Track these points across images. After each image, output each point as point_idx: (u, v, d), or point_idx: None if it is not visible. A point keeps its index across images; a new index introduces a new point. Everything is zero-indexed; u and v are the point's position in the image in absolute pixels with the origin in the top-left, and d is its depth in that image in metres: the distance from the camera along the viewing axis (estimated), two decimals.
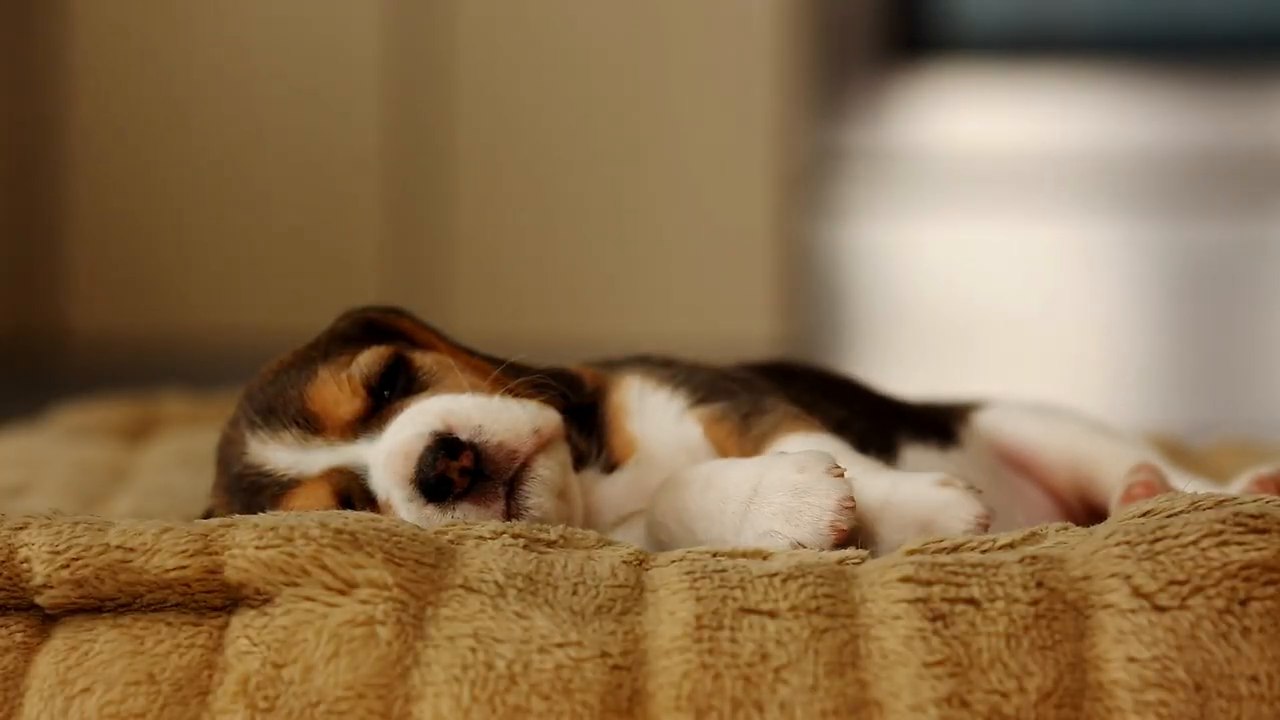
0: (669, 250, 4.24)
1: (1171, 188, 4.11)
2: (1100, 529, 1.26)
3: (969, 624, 1.16)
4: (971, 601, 1.17)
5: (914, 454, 1.61)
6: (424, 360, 1.43)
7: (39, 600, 1.24)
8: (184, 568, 1.21)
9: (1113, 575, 1.18)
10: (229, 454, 1.42)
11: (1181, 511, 1.24)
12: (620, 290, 4.26)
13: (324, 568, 1.19)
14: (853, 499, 1.29)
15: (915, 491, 1.33)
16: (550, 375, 1.48)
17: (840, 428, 1.50)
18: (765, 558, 1.25)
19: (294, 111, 4.32)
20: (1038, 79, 4.17)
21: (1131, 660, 1.15)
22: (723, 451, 1.46)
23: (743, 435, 1.46)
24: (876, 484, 1.33)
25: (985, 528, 1.30)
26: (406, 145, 4.31)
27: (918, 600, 1.17)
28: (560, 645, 1.16)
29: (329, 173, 4.33)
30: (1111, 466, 1.65)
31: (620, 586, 1.21)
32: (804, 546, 1.28)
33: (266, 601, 1.20)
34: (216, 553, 1.21)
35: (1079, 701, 1.14)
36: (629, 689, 1.15)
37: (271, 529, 1.21)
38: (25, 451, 2.05)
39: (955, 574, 1.19)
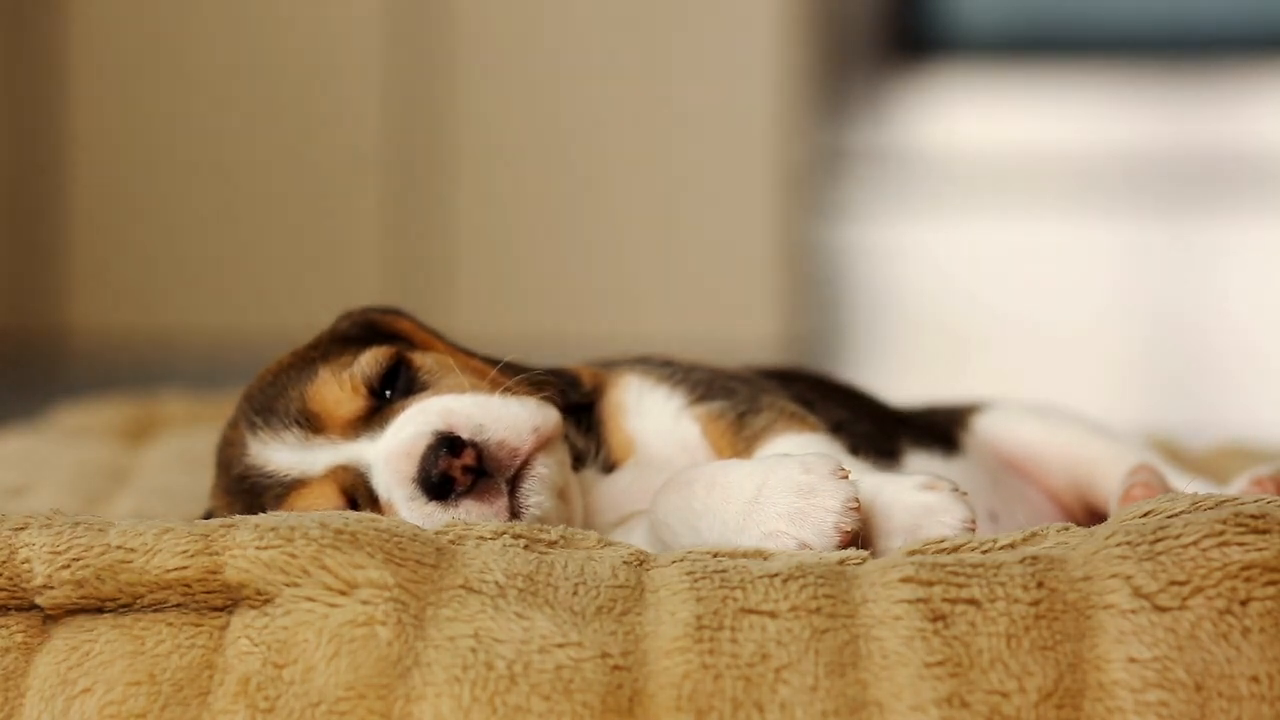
0: (669, 250, 4.24)
1: (1173, 187, 4.10)
2: (1101, 529, 1.26)
3: (969, 624, 1.16)
4: (972, 602, 1.17)
5: (917, 458, 1.61)
6: (424, 360, 1.43)
7: (39, 601, 1.24)
8: (184, 568, 1.21)
9: (1113, 575, 1.18)
10: (229, 455, 1.42)
11: (1182, 512, 1.24)
12: (620, 290, 4.26)
13: (324, 568, 1.19)
14: (858, 501, 1.29)
15: (898, 495, 1.33)
16: (549, 374, 1.48)
17: (839, 429, 1.50)
18: (766, 558, 1.25)
19: (294, 111, 4.32)
20: (1038, 79, 4.17)
21: (1132, 660, 1.15)
22: (718, 449, 1.46)
23: (736, 434, 1.46)
24: (862, 488, 1.33)
25: (972, 530, 1.30)
26: (406, 145, 4.31)
27: (918, 601, 1.17)
28: (561, 645, 1.16)
29: (329, 173, 4.33)
30: (1111, 468, 1.65)
31: (621, 587, 1.21)
32: (809, 547, 1.28)
33: (267, 602, 1.20)
34: (217, 553, 1.21)
35: (1079, 702, 1.14)
36: (629, 689, 1.15)
37: (272, 529, 1.21)
38: (25, 451, 2.04)
39: (956, 574, 1.19)
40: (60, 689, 1.20)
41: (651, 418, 1.49)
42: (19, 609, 1.25)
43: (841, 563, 1.23)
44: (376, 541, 1.21)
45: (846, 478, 1.30)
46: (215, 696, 1.18)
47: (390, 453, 1.34)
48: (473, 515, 1.32)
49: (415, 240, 4.32)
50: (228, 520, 1.25)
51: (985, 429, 1.72)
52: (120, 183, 4.38)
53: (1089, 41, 4.21)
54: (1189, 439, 2.13)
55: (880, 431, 1.60)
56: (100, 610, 1.23)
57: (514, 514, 1.34)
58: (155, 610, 1.22)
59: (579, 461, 1.46)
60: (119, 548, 1.22)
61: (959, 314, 4.17)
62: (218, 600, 1.22)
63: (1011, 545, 1.26)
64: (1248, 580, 1.17)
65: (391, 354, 1.42)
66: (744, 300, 4.22)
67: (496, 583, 1.20)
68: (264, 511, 1.31)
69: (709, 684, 1.15)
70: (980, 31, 4.23)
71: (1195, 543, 1.19)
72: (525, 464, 1.35)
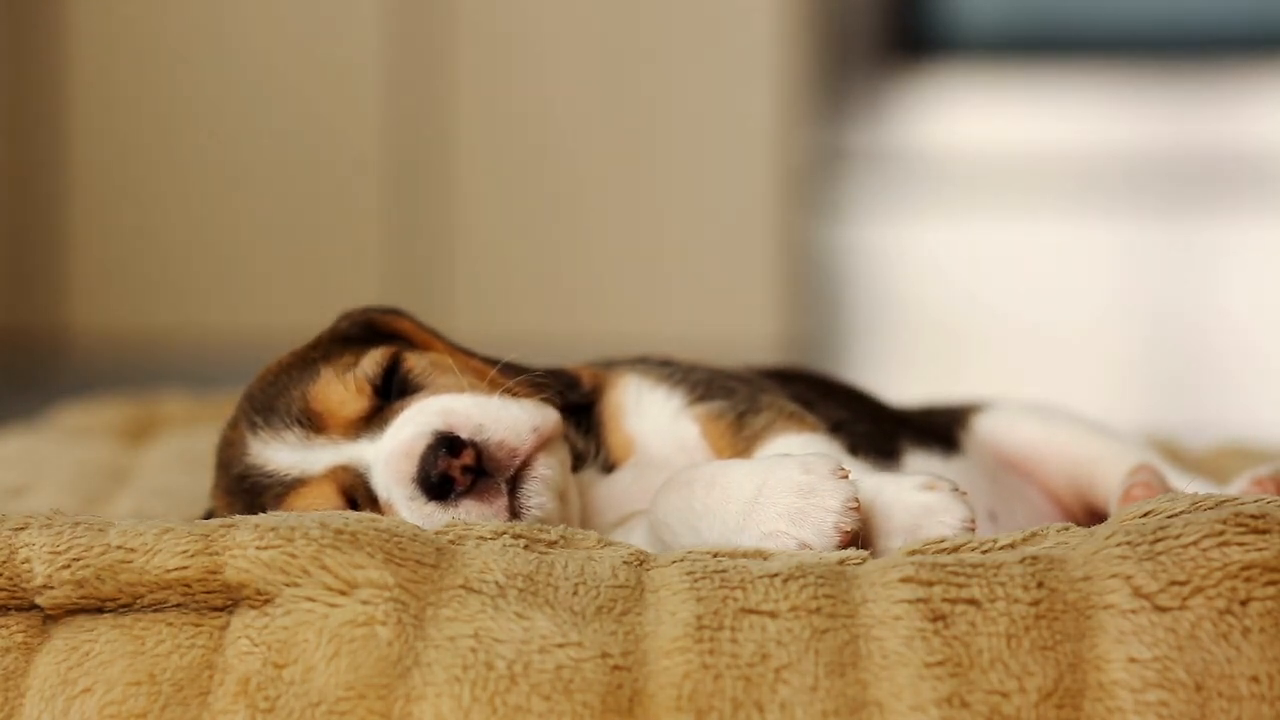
0: (669, 250, 4.24)
1: (1173, 187, 4.11)
2: (1101, 529, 1.26)
3: (969, 624, 1.16)
4: (972, 602, 1.17)
5: (916, 458, 1.61)
6: (424, 361, 1.43)
7: (39, 601, 1.24)
8: (184, 568, 1.21)
9: (1113, 575, 1.18)
10: (229, 455, 1.42)
11: (1182, 512, 1.24)
12: (620, 290, 4.26)
13: (324, 568, 1.19)
14: (858, 501, 1.29)
15: (899, 495, 1.33)
16: (548, 375, 1.48)
17: (839, 429, 1.50)
18: (766, 558, 1.25)
19: (294, 111, 4.32)
20: (1038, 79, 4.17)
21: (1132, 660, 1.15)
22: (717, 450, 1.46)
23: (736, 434, 1.46)
24: (862, 488, 1.33)
25: (972, 530, 1.30)
26: (406, 145, 4.31)
27: (918, 601, 1.17)
28: (561, 645, 1.16)
29: (329, 173, 4.33)
30: (1111, 468, 1.65)
31: (621, 587, 1.21)
32: (809, 547, 1.28)
33: (267, 602, 1.20)
34: (217, 553, 1.21)
35: (1079, 702, 1.14)
36: (629, 689, 1.15)
37: (272, 529, 1.21)
38: (25, 451, 2.04)
39: (956, 574, 1.19)
40: (60, 689, 1.20)
41: (650, 418, 1.49)
42: (19, 609, 1.25)
43: (841, 563, 1.23)
44: (376, 541, 1.21)
45: (846, 478, 1.31)
46: (215, 696, 1.18)
47: (390, 453, 1.34)
48: (472, 515, 1.32)
49: (415, 240, 4.33)
50: (228, 520, 1.25)
51: (985, 429, 1.72)
52: (120, 183, 4.37)
53: (1089, 41, 4.21)
54: (1189, 439, 2.13)
55: (880, 431, 1.60)
56: (100, 610, 1.23)
57: (514, 514, 1.34)
58: (155, 610, 1.22)
59: (579, 462, 1.46)
60: (119, 548, 1.22)
61: (959, 314, 4.17)
62: (218, 600, 1.22)
63: (1011, 545, 1.26)
64: (1248, 580, 1.17)
65: (391, 354, 1.42)
66: (744, 300, 4.22)
67: (496, 583, 1.20)
68: (264, 511, 1.31)
69: (709, 684, 1.15)
70: (980, 31, 4.23)
71: (1195, 543, 1.19)
72: (525, 464, 1.35)
